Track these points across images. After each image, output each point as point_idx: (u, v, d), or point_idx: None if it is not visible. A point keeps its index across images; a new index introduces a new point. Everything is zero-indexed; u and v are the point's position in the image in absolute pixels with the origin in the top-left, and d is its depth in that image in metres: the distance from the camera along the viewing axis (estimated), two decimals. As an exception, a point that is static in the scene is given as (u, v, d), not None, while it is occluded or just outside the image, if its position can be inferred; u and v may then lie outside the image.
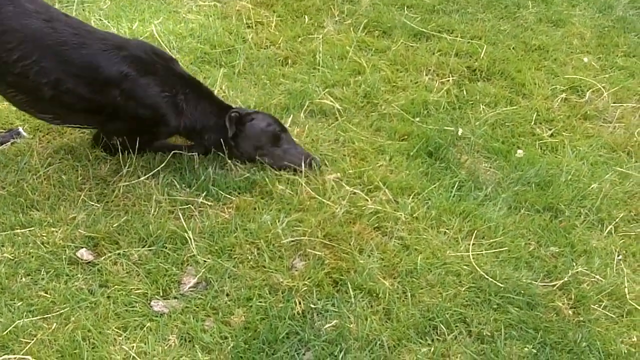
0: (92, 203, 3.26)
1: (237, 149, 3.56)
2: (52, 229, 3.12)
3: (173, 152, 3.53)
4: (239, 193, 3.42)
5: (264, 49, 4.44)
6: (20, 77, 3.20)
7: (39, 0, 3.30)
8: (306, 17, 4.75)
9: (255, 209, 3.35)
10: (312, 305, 2.96)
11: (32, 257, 3.00)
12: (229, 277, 3.04)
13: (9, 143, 3.48)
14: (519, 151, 3.89)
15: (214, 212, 3.30)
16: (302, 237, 3.22)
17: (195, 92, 3.50)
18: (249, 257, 3.13)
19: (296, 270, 3.10)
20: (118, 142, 3.44)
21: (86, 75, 3.23)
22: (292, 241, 3.21)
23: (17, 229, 3.10)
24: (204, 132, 3.52)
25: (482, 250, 3.31)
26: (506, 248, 3.34)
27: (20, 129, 3.55)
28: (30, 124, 3.64)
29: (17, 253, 3.01)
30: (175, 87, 3.40)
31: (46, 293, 2.88)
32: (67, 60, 3.20)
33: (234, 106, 3.65)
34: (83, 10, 4.50)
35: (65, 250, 3.04)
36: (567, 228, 3.48)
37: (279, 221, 3.27)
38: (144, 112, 3.34)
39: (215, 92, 3.84)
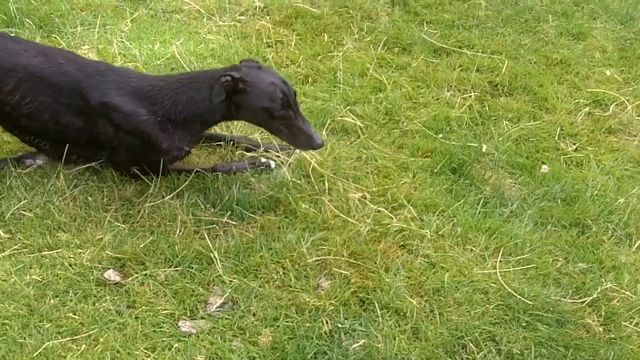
0: (118, 224, 3.27)
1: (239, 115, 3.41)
2: (80, 250, 3.13)
3: (195, 171, 3.54)
4: (263, 212, 3.41)
5: (285, 67, 4.45)
6: (28, 118, 3.34)
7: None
8: (325, 35, 4.76)
9: (279, 228, 3.34)
10: (340, 325, 2.95)
11: (60, 278, 3.01)
12: (255, 297, 3.03)
13: (35, 165, 3.49)
14: (544, 166, 3.87)
15: (238, 232, 3.30)
16: (327, 256, 3.22)
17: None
18: (275, 277, 3.13)
19: (322, 290, 3.09)
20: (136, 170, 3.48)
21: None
22: (318, 260, 3.20)
23: (44, 250, 3.11)
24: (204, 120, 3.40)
25: (509, 268, 3.29)
26: (533, 265, 3.32)
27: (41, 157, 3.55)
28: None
29: (45, 275, 3.02)
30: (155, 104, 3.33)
31: (75, 314, 2.89)
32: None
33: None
34: (105, 32, 4.52)
35: (93, 272, 3.04)
36: (594, 244, 3.45)
37: (303, 240, 3.26)
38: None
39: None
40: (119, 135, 3.33)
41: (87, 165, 3.52)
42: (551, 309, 3.11)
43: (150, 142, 3.33)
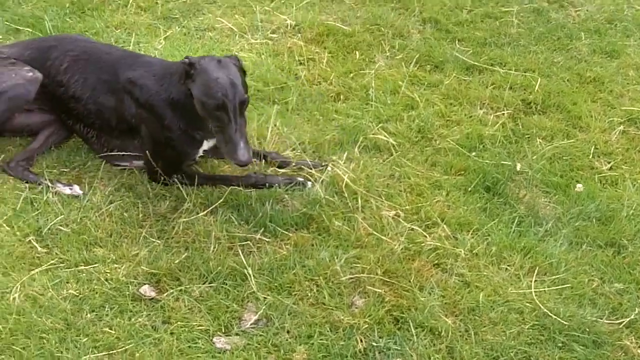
0: (153, 240, 3.29)
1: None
2: (115, 265, 3.15)
3: (230, 187, 3.56)
4: (296, 229, 3.42)
5: (316, 85, 4.47)
6: (75, 99, 3.63)
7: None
8: (357, 52, 4.77)
9: (313, 245, 3.35)
10: (374, 344, 2.94)
11: (97, 293, 3.03)
12: (289, 314, 3.03)
13: (66, 192, 3.52)
14: (578, 185, 3.84)
15: (272, 249, 3.31)
16: (361, 274, 3.21)
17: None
18: (309, 294, 3.13)
19: (356, 308, 3.09)
20: (176, 179, 3.50)
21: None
22: (351, 278, 3.20)
23: (81, 265, 3.14)
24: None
25: (544, 287, 3.26)
26: (569, 285, 3.29)
27: (76, 187, 3.56)
28: (94, 163, 3.70)
29: (82, 289, 3.04)
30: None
31: (111, 329, 2.90)
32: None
33: None
34: (139, 49, 4.57)
35: (129, 287, 3.06)
36: (631, 264, 3.42)
37: (337, 258, 3.26)
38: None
39: (270, 129, 3.90)
40: (137, 110, 3.49)
41: (123, 166, 3.68)
42: (587, 329, 3.08)
43: (156, 116, 3.45)
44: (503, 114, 4.31)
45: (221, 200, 3.49)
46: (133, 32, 4.75)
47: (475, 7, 5.34)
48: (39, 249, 3.21)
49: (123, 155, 3.65)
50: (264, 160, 3.78)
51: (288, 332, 2.97)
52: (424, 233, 3.45)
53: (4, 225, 3.30)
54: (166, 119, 3.45)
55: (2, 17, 4.74)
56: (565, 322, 3.09)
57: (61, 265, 3.15)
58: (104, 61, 3.64)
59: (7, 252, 3.19)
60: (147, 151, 3.53)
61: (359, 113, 4.21)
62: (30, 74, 3.61)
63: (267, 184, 3.59)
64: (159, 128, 3.47)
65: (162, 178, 3.54)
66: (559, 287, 3.27)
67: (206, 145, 3.58)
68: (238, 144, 3.19)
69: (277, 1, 5.22)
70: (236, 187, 3.57)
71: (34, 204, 3.42)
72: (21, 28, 4.64)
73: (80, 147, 3.78)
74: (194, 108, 3.34)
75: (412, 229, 3.46)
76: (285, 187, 3.60)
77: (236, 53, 4.62)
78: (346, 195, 3.60)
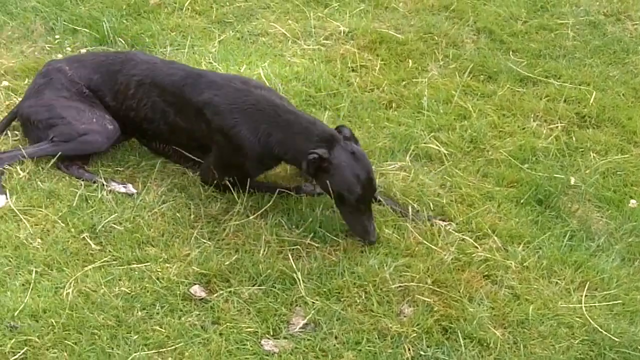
0: (204, 241, 3.32)
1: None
2: (167, 264, 3.19)
3: (279, 192, 3.57)
4: (346, 235, 3.42)
5: (368, 92, 4.47)
6: (147, 121, 3.66)
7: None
8: (410, 61, 4.76)
9: (362, 252, 3.35)
10: (422, 353, 2.94)
11: (148, 291, 3.08)
12: (337, 320, 3.04)
13: (120, 190, 3.57)
14: (632, 201, 3.79)
15: (321, 254, 3.32)
16: (410, 283, 3.21)
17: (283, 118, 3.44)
18: (357, 301, 3.13)
19: (405, 316, 3.08)
20: (227, 182, 3.53)
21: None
22: (400, 286, 3.20)
23: (133, 263, 3.19)
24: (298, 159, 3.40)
25: (595, 303, 3.23)
26: (620, 301, 3.25)
27: (130, 186, 3.61)
28: (148, 163, 3.76)
29: (134, 287, 3.09)
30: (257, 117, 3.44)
31: (161, 327, 2.94)
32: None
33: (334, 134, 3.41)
34: (193, 53, 4.62)
35: (179, 286, 3.10)
36: (684, 282, 3.36)
37: (386, 265, 3.26)
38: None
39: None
40: (211, 132, 3.48)
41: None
42: (639, 347, 3.03)
43: (237, 146, 3.45)
44: (557, 126, 4.27)
45: (271, 205, 3.50)
46: (188, 35, 4.80)
47: (530, 19, 5.30)
48: (93, 246, 3.27)
49: None
50: None
51: (336, 337, 2.98)
52: (475, 244, 3.44)
53: (59, 221, 3.36)
54: (246, 150, 3.46)
55: (61, 17, 4.83)
56: (616, 339, 3.05)
57: (114, 262, 3.20)
58: (167, 84, 3.63)
59: (62, 248, 3.25)
60: (210, 161, 3.57)
61: (411, 121, 4.20)
62: (111, 126, 3.67)
63: (318, 193, 3.60)
64: (236, 154, 3.49)
65: (215, 182, 3.57)
66: (610, 303, 3.23)
67: None
68: (369, 228, 3.34)
69: (330, 8, 5.24)
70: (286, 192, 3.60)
71: (89, 201, 3.48)
72: (79, 28, 4.72)
73: (135, 147, 3.83)
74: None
75: (463, 240, 3.45)
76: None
77: (289, 59, 4.66)
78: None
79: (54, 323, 2.91)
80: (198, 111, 3.51)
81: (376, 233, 3.37)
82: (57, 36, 4.66)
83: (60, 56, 4.42)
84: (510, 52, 4.93)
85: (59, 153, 3.61)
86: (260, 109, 3.45)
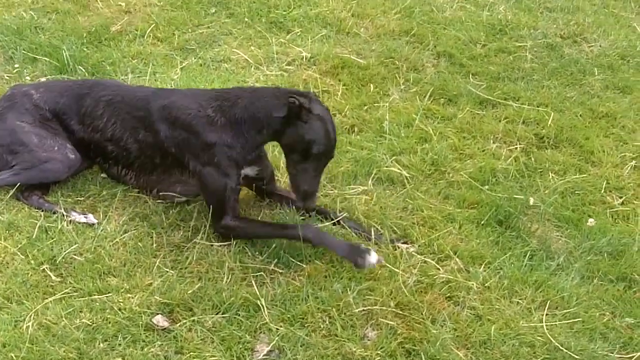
0: (167, 270, 3.31)
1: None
2: (129, 295, 3.17)
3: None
4: (310, 260, 3.43)
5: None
6: (112, 142, 3.68)
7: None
8: (371, 85, 4.81)
9: (326, 276, 3.36)
10: (386, 376, 2.95)
11: (110, 323, 3.05)
12: (301, 346, 3.04)
13: (81, 221, 3.55)
14: (590, 220, 3.85)
15: (285, 280, 3.32)
16: (373, 307, 3.22)
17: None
18: (321, 326, 3.13)
19: (369, 340, 3.09)
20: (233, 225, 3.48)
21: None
22: (364, 310, 3.21)
23: (94, 294, 3.16)
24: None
25: (555, 321, 3.26)
26: (580, 319, 3.29)
27: (91, 215, 3.58)
28: (109, 192, 3.73)
29: (95, 319, 3.06)
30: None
31: (123, 359, 2.91)
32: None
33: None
34: (155, 80, 4.62)
35: (142, 317, 3.08)
36: (643, 299, 3.42)
37: (350, 289, 3.27)
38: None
39: (284, 160, 3.91)
40: (175, 134, 3.49)
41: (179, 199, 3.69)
42: (599, 364, 3.08)
43: (198, 135, 3.44)
44: (516, 148, 4.33)
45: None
46: (149, 62, 4.81)
47: (489, 42, 5.38)
48: (53, 277, 3.24)
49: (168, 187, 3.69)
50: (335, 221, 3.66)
51: (300, 363, 2.98)
52: (437, 266, 3.46)
53: (19, 253, 3.34)
54: (209, 137, 3.44)
55: (20, 45, 4.81)
56: (576, 356, 3.09)
57: (75, 294, 3.17)
58: (137, 99, 3.66)
59: (21, 280, 3.21)
60: (204, 194, 3.57)
61: (373, 145, 4.23)
62: (73, 156, 3.66)
63: (327, 246, 3.43)
64: (202, 147, 3.46)
65: (222, 229, 3.48)
66: (571, 321, 3.27)
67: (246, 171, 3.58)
68: (315, 191, 3.44)
69: (292, 33, 5.28)
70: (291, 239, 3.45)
71: (49, 232, 3.45)
72: (38, 57, 4.70)
73: (95, 176, 3.81)
74: (265, 131, 3.45)
75: (425, 262, 3.47)
76: (346, 256, 3.36)
77: (252, 85, 4.68)
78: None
79: (14, 357, 2.87)
80: (161, 116, 3.55)
81: (315, 200, 3.50)
82: (16, 65, 4.64)
83: (20, 86, 4.39)
84: (470, 75, 5.00)
85: (18, 183, 3.59)
86: (220, 96, 3.53)
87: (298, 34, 5.29)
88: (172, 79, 4.68)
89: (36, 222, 3.49)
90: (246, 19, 5.38)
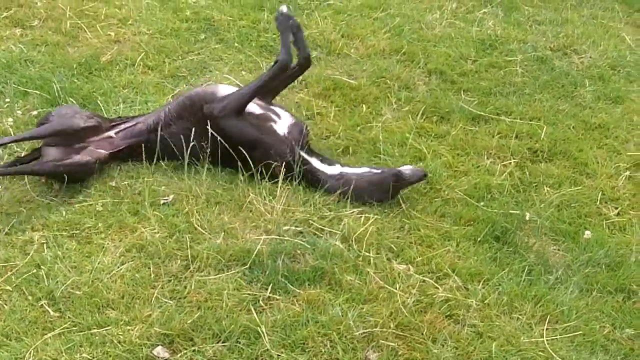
0: (166, 300, 3.30)
1: None
2: (128, 327, 3.16)
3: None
4: (309, 284, 3.43)
5: (324, 139, 4.51)
6: None
7: None
8: (364, 106, 4.81)
9: (325, 300, 3.35)
10: (389, 399, 2.94)
11: (110, 356, 3.03)
12: (303, 371, 3.03)
13: None
14: (587, 232, 3.86)
15: (284, 305, 3.31)
16: (374, 329, 3.22)
17: None
18: (322, 350, 3.13)
19: (370, 363, 3.09)
20: None
21: None
22: (364, 333, 3.20)
23: (94, 328, 3.14)
24: None
25: (556, 335, 3.27)
26: (580, 332, 3.31)
27: None
28: (104, 224, 3.73)
29: (95, 353, 3.04)
30: None
31: (124, 393, 2.91)
32: None
33: None
34: (147, 109, 4.62)
35: (142, 349, 3.06)
36: (642, 310, 3.42)
37: (349, 312, 3.26)
38: None
39: (280, 185, 3.92)
40: None
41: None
42: (602, 377, 3.07)
43: None
44: (510, 162, 4.34)
45: (233, 258, 3.51)
46: (141, 91, 4.81)
47: (480, 57, 5.41)
48: (52, 313, 3.23)
49: None
50: None
51: (302, 389, 2.98)
52: (435, 285, 3.46)
53: (15, 290, 3.32)
54: None
55: (10, 80, 4.80)
56: (579, 371, 3.09)
57: (74, 329, 3.15)
58: None
59: (20, 317, 3.20)
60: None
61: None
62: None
63: None
64: None
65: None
66: (571, 334, 3.28)
67: None
68: None
69: (282, 57, 5.29)
70: None
71: (43, 267, 3.43)
72: (30, 91, 4.70)
73: (92, 209, 3.81)
74: None
75: (424, 281, 3.48)
76: None
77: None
78: (357, 248, 3.62)
79: (15, 395, 2.87)
80: None
81: None
82: (7, 100, 4.63)
83: (10, 120, 4.39)
84: (462, 92, 5.02)
85: None
86: None
87: (289, 57, 5.29)
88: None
89: (31, 258, 3.47)
90: (236, 44, 5.39)
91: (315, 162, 4.03)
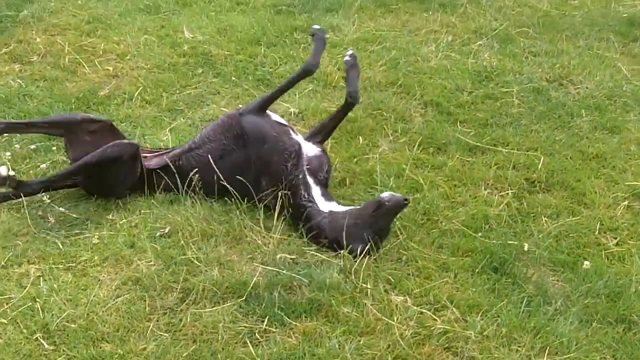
0: (161, 333, 3.27)
1: None
2: (123, 361, 3.13)
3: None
4: (305, 316, 3.40)
5: (322, 171, 4.50)
6: None
7: None
8: (360, 137, 4.81)
9: (322, 332, 3.32)
10: None
11: (105, 391, 3.01)
12: (300, 405, 3.00)
13: None
14: (586, 262, 3.83)
15: (281, 338, 3.29)
16: (371, 361, 3.19)
17: None
18: (319, 384, 3.09)
19: (368, 396, 3.05)
20: None
21: None
22: (362, 365, 3.17)
23: (88, 363, 3.12)
24: None
25: (556, 367, 3.23)
26: (581, 364, 3.26)
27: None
28: (100, 256, 3.70)
29: (89, 387, 3.02)
30: None
31: None
32: None
33: None
34: (145, 142, 4.63)
35: (137, 383, 3.04)
36: (642, 340, 3.38)
37: (347, 345, 3.23)
38: None
39: (276, 217, 3.90)
40: None
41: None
42: (603, 410, 3.03)
43: None
44: (507, 193, 4.32)
45: (229, 290, 3.49)
46: (138, 125, 4.83)
47: (476, 89, 5.42)
48: (47, 346, 3.20)
49: None
50: None
51: (299, 423, 2.94)
52: (434, 316, 3.43)
53: (10, 324, 3.30)
54: None
55: (9, 114, 4.82)
56: (580, 403, 3.05)
57: (69, 362, 3.14)
58: None
59: (14, 350, 3.17)
60: None
61: (365, 198, 4.22)
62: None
63: None
64: None
65: None
66: (571, 366, 3.24)
67: None
68: None
69: (279, 90, 5.31)
70: None
71: (38, 300, 3.41)
72: (28, 125, 4.71)
73: (88, 242, 3.79)
74: None
75: (421, 313, 3.44)
76: None
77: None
78: (354, 280, 3.59)
79: None
80: None
81: None
82: (5, 134, 4.65)
83: (8, 154, 4.40)
84: (458, 123, 5.02)
85: None
86: None
87: (285, 90, 5.31)
88: (161, 140, 4.69)
89: (27, 291, 3.45)
90: (233, 78, 5.42)
91: (315, 193, 3.99)
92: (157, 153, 4.27)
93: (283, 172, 3.95)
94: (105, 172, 3.98)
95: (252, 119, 4.15)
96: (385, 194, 3.77)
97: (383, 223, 3.78)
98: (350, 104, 4.41)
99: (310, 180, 4.00)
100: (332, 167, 4.42)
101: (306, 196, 3.93)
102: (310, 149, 4.18)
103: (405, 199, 3.75)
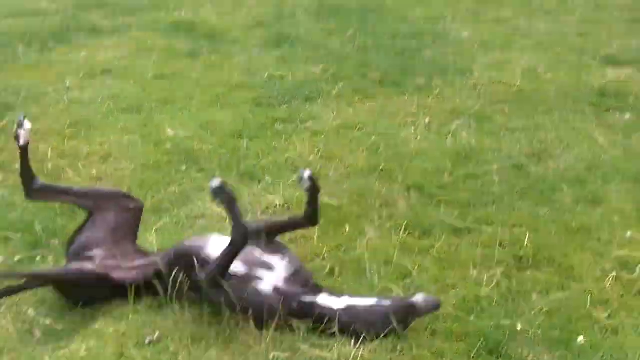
0: None
1: None
2: None
3: None
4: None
5: (310, 262, 4.50)
6: None
7: None
8: (347, 225, 4.84)
9: None
10: None
11: None
12: None
13: None
14: (580, 337, 3.82)
15: None
16: None
17: None
18: None
19: None
20: None
21: None
22: None
23: None
24: None
25: None
26: None
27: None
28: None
29: None
30: None
31: None
32: None
33: None
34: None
35: None
36: (642, 416, 3.35)
37: None
38: None
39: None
40: None
41: None
42: None
43: None
44: (496, 272, 4.33)
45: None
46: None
47: (456, 170, 5.49)
48: None
49: None
50: None
51: None
52: (432, 406, 3.40)
53: None
54: None
55: (-9, 224, 4.82)
56: None
57: None
58: None
59: None
60: None
61: (355, 287, 4.21)
62: None
63: None
64: None
65: None
66: None
67: None
68: None
69: (264, 182, 5.37)
70: None
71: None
72: (11, 236, 4.69)
73: (75, 355, 3.74)
74: None
75: (420, 403, 3.41)
76: None
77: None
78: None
79: None
80: None
81: None
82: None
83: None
84: (442, 205, 5.06)
85: None
86: None
87: (269, 182, 5.37)
88: (147, 241, 4.68)
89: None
90: (217, 173, 5.47)
91: (321, 299, 3.89)
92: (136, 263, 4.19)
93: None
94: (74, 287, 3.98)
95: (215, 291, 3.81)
96: (420, 297, 3.74)
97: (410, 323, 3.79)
98: (306, 224, 4.22)
99: (309, 297, 3.88)
100: (319, 256, 4.43)
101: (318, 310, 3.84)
102: (281, 272, 3.97)
103: (439, 303, 3.77)
